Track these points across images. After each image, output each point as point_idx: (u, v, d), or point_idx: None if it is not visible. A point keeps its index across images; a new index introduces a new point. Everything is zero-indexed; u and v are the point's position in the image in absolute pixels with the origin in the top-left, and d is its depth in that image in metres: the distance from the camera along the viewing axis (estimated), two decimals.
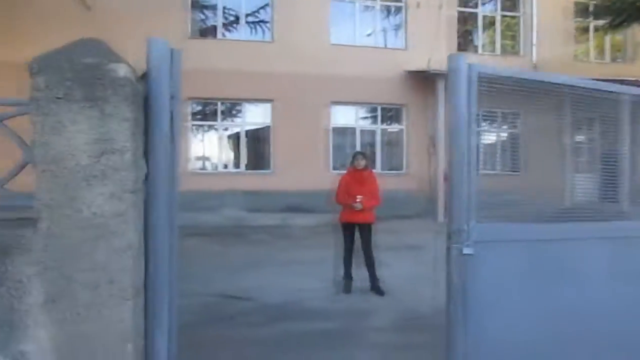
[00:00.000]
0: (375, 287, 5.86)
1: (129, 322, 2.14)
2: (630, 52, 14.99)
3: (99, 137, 2.04)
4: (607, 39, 14.86)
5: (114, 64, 2.06)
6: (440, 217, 11.91)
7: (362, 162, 6.14)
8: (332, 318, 4.93)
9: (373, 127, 13.36)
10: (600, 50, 15.08)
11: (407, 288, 6.07)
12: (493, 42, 14.15)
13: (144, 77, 2.31)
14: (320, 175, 12.34)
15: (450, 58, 2.70)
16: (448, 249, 2.72)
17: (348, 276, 5.97)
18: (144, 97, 2.27)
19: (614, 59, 15.14)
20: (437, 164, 12.18)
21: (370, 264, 5.98)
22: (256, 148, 12.92)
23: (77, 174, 2.03)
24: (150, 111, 2.28)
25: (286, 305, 5.35)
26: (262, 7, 13.04)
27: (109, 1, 11.05)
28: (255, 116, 12.88)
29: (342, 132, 13.21)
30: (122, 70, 2.07)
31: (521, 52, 14.18)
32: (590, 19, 14.41)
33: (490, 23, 14.22)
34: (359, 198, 5.92)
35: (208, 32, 12.89)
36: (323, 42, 12.51)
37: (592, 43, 14.87)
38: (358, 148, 12.96)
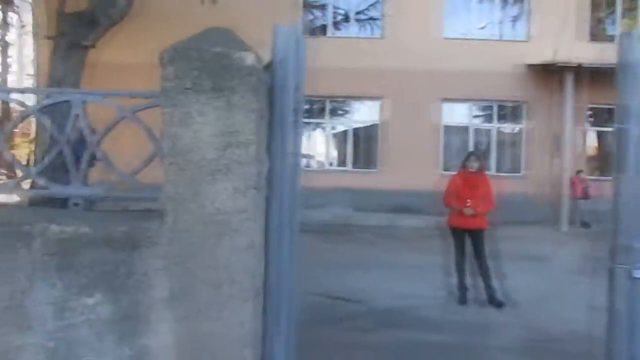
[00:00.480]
0: (493, 299, 5.34)
1: (248, 325, 2.03)
2: None
3: (225, 129, 1.94)
4: None
5: (241, 53, 1.95)
6: (564, 225, 10.76)
7: (475, 164, 5.65)
8: (448, 330, 4.55)
9: (488, 125, 12.48)
10: None
11: (532, 303, 5.45)
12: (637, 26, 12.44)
13: (268, 67, 2.18)
14: (429, 175, 11.79)
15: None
16: (611, 269, 2.26)
17: (462, 286, 5.52)
18: (269, 88, 2.15)
19: None
20: (562, 167, 11.00)
21: (484, 274, 5.48)
22: (363, 146, 12.73)
23: (202, 167, 1.95)
24: (274, 103, 2.16)
25: (396, 312, 5.07)
26: (372, 5, 12.81)
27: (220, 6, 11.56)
28: (363, 114, 12.71)
29: (454, 131, 12.52)
30: (249, 59, 1.95)
31: None
32: None
33: (630, 9, 12.53)
34: (469, 202, 5.46)
35: (318, 30, 12.97)
36: (435, 36, 11.94)
37: None
38: (471, 148, 12.21)
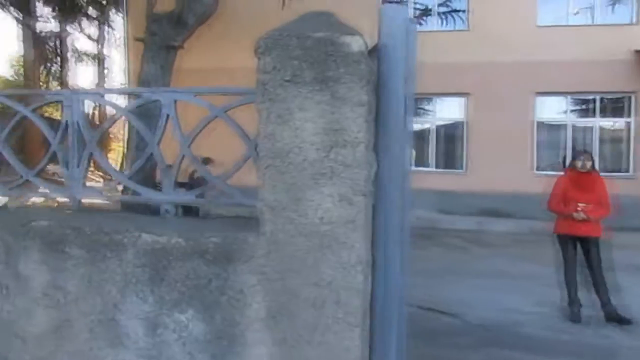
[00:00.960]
0: (614, 315, 4.66)
1: (355, 352, 1.75)
2: None
3: (329, 127, 1.68)
4: None
5: (347, 37, 1.68)
6: None
7: (588, 164, 4.96)
8: (564, 354, 4.00)
9: (588, 120, 11.32)
10: None
11: None
12: None
13: (372, 53, 1.89)
14: (522, 176, 10.97)
15: None
16: None
17: (574, 301, 4.88)
18: (375, 77, 1.86)
19: None
20: None
21: (600, 288, 4.81)
22: (447, 145, 12.09)
23: (303, 171, 1.70)
24: (382, 95, 1.86)
25: (497, 329, 4.57)
26: None
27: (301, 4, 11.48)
28: (447, 111, 12.06)
29: (549, 127, 11.51)
30: (356, 44, 1.67)
31: None
32: None
33: None
34: (581, 206, 4.82)
35: None
36: (528, 25, 11.03)
37: None
38: (569, 145, 11.18)
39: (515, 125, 11.09)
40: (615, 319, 4.63)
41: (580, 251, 5.00)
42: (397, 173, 1.88)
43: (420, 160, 12.10)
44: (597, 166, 5.33)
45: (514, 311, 4.98)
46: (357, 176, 1.69)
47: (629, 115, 11.01)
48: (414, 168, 11.93)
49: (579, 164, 5.01)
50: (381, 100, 1.85)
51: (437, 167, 11.80)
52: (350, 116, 1.67)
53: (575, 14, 11.57)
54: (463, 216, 10.76)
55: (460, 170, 11.54)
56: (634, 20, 10.98)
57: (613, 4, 11.47)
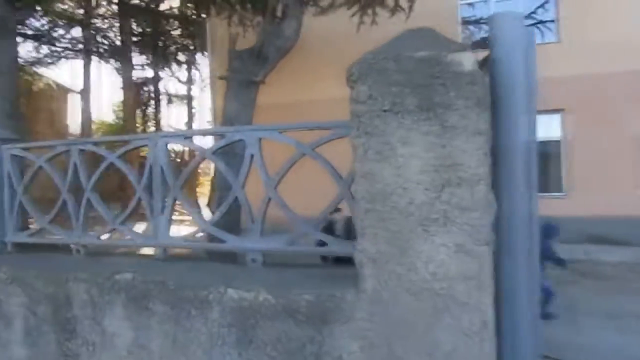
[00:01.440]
0: None
1: None
2: None
3: (440, 162, 1.40)
4: None
5: (456, 55, 1.40)
6: None
7: None
8: None
9: None
10: None
11: None
12: None
13: (484, 67, 1.59)
14: (631, 197, 9.78)
15: None
16: None
17: None
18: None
19: None
20: None
21: None
22: (543, 167, 11.14)
23: (410, 216, 1.42)
24: (499, 120, 1.54)
25: None
26: (541, 6, 11.36)
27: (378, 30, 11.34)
28: (540, 130, 11.15)
29: None
30: (468, 62, 1.39)
31: None
32: None
33: None
34: None
35: (480, 44, 11.95)
36: (627, 30, 10.01)
37: None
38: None
39: (621, 142, 9.97)
40: None
41: None
42: (522, 216, 1.54)
43: None
44: None
45: None
46: (477, 221, 1.38)
47: None
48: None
49: None
50: (498, 127, 1.54)
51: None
52: (466, 148, 1.38)
53: None
54: (568, 244, 9.72)
55: (560, 194, 10.53)
56: None
57: None
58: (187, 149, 22.85)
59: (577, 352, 4.50)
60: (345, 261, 1.64)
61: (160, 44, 19.90)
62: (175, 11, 18.29)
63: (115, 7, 17.13)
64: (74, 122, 21.21)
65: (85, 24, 16.29)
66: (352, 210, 1.57)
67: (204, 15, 10.82)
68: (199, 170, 23.28)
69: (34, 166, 2.39)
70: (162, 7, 18.45)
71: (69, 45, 16.96)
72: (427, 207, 1.40)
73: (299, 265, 1.94)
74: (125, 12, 16.49)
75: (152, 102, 22.97)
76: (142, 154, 17.54)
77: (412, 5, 7.58)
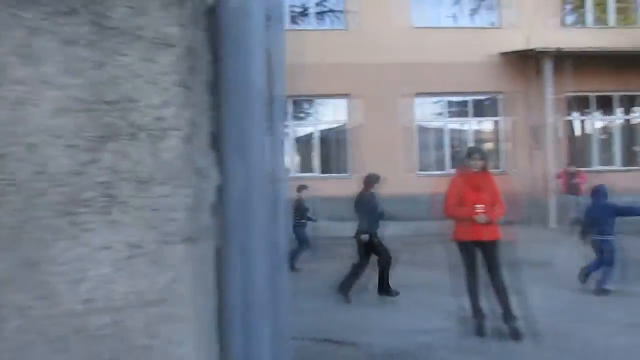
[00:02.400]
0: (513, 329, 4.30)
1: None
2: None
3: (95, 96, 0.75)
4: None
5: None
6: (552, 222, 10.01)
7: (479, 163, 4.61)
8: None
9: (464, 120, 11.64)
10: None
11: (560, 329, 4.47)
12: (605, 12, 11.94)
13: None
14: (406, 177, 10.86)
15: None
16: None
17: (478, 313, 4.47)
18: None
19: None
20: (545, 161, 10.26)
21: (502, 296, 4.44)
22: (332, 150, 11.65)
23: (40, 197, 0.75)
24: (228, 73, 0.97)
25: (402, 356, 3.96)
26: None
27: None
28: (329, 114, 11.62)
29: (428, 128, 11.63)
30: None
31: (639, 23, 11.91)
32: None
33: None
34: (479, 208, 4.45)
35: None
36: (404, 26, 11.01)
37: None
38: (446, 144, 11.37)
39: (397, 127, 10.99)
40: (513, 331, 4.26)
41: (481, 257, 4.62)
42: (260, 192, 1.00)
43: (304, 167, 11.50)
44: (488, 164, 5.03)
45: (417, 332, 4.41)
46: (169, 202, 0.78)
47: (498, 115, 11.51)
48: (298, 175, 11.26)
49: (471, 163, 4.64)
50: (224, 60, 0.96)
51: (322, 172, 11.25)
52: (144, 71, 0.76)
53: (450, 16, 11.81)
54: (352, 222, 10.33)
55: (346, 175, 11.12)
56: (499, 23, 11.50)
57: (484, 7, 11.94)
58: None
59: (354, 331, 4.50)
60: None
61: None
62: None
63: None
64: None
65: None
66: None
67: None
68: None
69: None
70: None
71: None
72: (73, 180, 0.75)
73: None
74: None
75: None
76: None
77: None
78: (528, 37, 10.69)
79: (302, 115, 11.70)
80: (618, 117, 11.92)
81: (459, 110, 11.76)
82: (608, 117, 11.98)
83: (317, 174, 11.22)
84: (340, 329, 4.56)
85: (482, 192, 4.56)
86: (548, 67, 10.00)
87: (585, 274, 6.04)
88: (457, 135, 11.74)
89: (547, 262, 7.19)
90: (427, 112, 11.53)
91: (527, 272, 6.34)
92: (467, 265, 4.58)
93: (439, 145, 11.48)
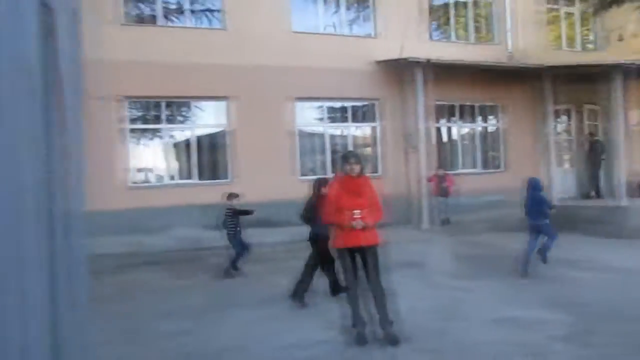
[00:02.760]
0: (389, 335, 4.27)
1: None
2: (601, 40, 14.44)
3: None
4: (578, 27, 14.29)
5: None
6: (425, 223, 10.58)
7: (356, 167, 4.53)
8: None
9: (343, 125, 11.84)
10: (571, 39, 14.46)
11: (433, 328, 4.57)
12: (466, 30, 13.03)
13: None
14: (287, 182, 10.71)
15: None
16: None
17: (359, 321, 4.37)
18: None
19: (584, 48, 14.56)
20: (419, 165, 10.82)
21: (380, 301, 4.41)
22: (210, 154, 11.07)
23: None
24: None
25: None
26: None
27: None
28: (208, 118, 11.03)
29: (309, 132, 11.62)
30: None
31: (495, 40, 13.20)
32: (561, 4, 13.83)
33: (462, 9, 13.10)
34: (357, 213, 4.38)
35: (146, 19, 10.92)
36: (284, 29, 10.88)
37: (564, 30, 14.20)
38: (327, 149, 11.46)
39: (278, 131, 10.80)
40: (390, 337, 4.23)
41: (360, 263, 4.54)
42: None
43: (181, 173, 10.78)
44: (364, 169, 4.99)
45: (299, 346, 4.18)
46: None
47: (375, 120, 11.90)
48: (174, 182, 10.52)
49: (347, 167, 4.54)
50: None
51: (200, 179, 10.62)
52: None
53: (329, 25, 11.93)
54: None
55: (225, 180, 10.63)
56: (375, 34, 11.92)
57: (361, 17, 12.28)
58: None
59: (234, 352, 4.14)
60: None
61: None
62: None
63: None
64: None
65: None
66: None
67: None
68: None
69: None
70: None
71: None
72: None
73: None
74: None
75: None
76: None
77: None
78: (401, 47, 11.23)
79: (180, 118, 10.94)
80: (478, 125, 13.05)
81: (339, 115, 11.95)
82: (470, 125, 13.06)
83: (195, 180, 10.57)
84: (214, 351, 4.16)
85: (360, 197, 4.49)
86: (419, 76, 10.57)
87: (542, 256, 6.80)
88: (337, 140, 11.91)
89: (419, 262, 7.48)
90: (308, 116, 11.51)
91: (401, 273, 6.52)
92: (347, 272, 4.48)
93: (320, 150, 11.53)
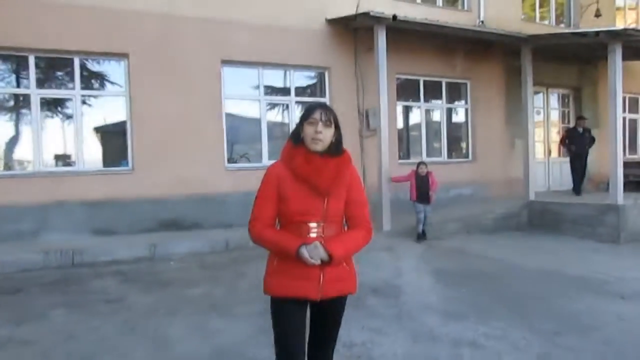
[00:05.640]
0: None
1: None
2: (574, 16, 12.92)
3: None
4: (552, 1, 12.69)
5: None
6: (387, 225, 8.41)
7: (327, 133, 2.17)
8: None
9: (283, 99, 9.35)
10: (545, 13, 12.84)
11: None
12: None
13: None
14: (209, 169, 8.19)
15: None
16: None
17: None
18: None
19: (558, 23, 12.98)
20: (378, 152, 8.58)
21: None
22: (105, 136, 8.28)
23: None
24: None
25: None
26: None
27: None
28: (97, 81, 8.15)
29: (240, 107, 9.07)
30: None
31: (465, 6, 11.20)
32: None
33: None
34: (314, 228, 2.16)
35: None
36: None
37: (537, 3, 12.52)
38: (264, 129, 8.98)
39: (197, 105, 8.18)
40: None
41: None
42: None
43: (60, 158, 7.90)
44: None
45: None
46: None
47: (322, 95, 9.54)
48: (51, 170, 7.63)
49: (311, 132, 2.17)
50: None
51: (86, 166, 7.79)
52: None
53: None
54: (129, 236, 7.24)
55: (124, 168, 7.90)
56: None
57: None
58: None
59: None
60: None
61: None
62: None
63: None
64: None
65: None
66: None
67: None
68: None
69: None
70: None
71: None
72: None
73: None
74: None
75: None
76: None
77: None
78: (358, 2, 8.93)
79: (57, 81, 7.98)
80: (444, 105, 11.03)
81: (279, 87, 9.44)
82: (436, 104, 11.02)
83: (79, 167, 7.73)
84: None
85: (329, 195, 2.19)
86: (381, 40, 8.28)
87: None
88: (276, 119, 9.48)
89: (390, 289, 5.25)
90: (239, 86, 8.90)
91: (367, 311, 4.26)
92: (288, 339, 2.14)
93: (255, 133, 9.02)
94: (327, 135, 2.14)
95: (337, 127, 2.21)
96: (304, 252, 2.00)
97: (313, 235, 2.09)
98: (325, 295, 2.11)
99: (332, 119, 2.17)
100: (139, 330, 4.09)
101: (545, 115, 12.41)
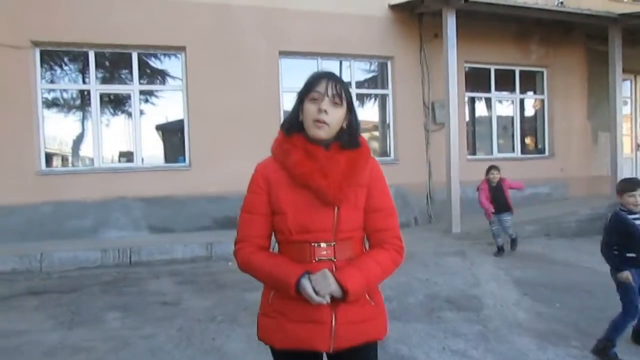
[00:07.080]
0: None
1: None
2: None
3: None
4: None
5: None
6: (456, 227, 7.73)
7: (334, 115, 1.56)
8: None
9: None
10: None
11: None
12: None
13: None
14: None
15: None
16: None
17: None
18: None
19: None
20: (445, 149, 7.91)
21: None
22: (163, 131, 8.16)
23: None
24: None
25: None
26: None
27: None
28: (154, 76, 8.03)
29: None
30: None
31: None
32: None
33: None
34: (324, 249, 1.56)
35: None
36: None
37: None
38: None
39: (257, 97, 7.85)
40: None
41: None
42: None
43: (117, 154, 7.84)
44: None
45: None
46: None
47: (385, 87, 8.95)
48: (106, 166, 7.58)
49: (313, 111, 1.53)
50: None
51: (143, 162, 7.68)
52: None
53: None
54: (188, 233, 7.05)
55: (181, 165, 7.72)
56: None
57: None
58: None
59: None
60: None
61: None
62: None
63: None
64: None
65: None
66: None
67: None
68: None
69: None
70: None
71: None
72: None
73: None
74: None
75: None
76: None
77: None
78: None
79: (116, 77, 7.94)
80: (517, 96, 10.11)
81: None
82: (509, 95, 10.13)
83: (137, 164, 7.63)
84: None
85: (341, 205, 1.65)
86: (450, 25, 7.61)
87: None
88: None
89: (467, 301, 4.63)
90: (297, 78, 8.52)
91: (440, 331, 3.67)
92: None
93: None
94: (335, 116, 1.53)
95: (351, 108, 1.60)
96: (307, 286, 1.42)
97: (321, 259, 1.50)
98: (340, 345, 1.50)
99: (343, 95, 1.55)
100: (195, 341, 3.75)
101: (634, 106, 11.16)
